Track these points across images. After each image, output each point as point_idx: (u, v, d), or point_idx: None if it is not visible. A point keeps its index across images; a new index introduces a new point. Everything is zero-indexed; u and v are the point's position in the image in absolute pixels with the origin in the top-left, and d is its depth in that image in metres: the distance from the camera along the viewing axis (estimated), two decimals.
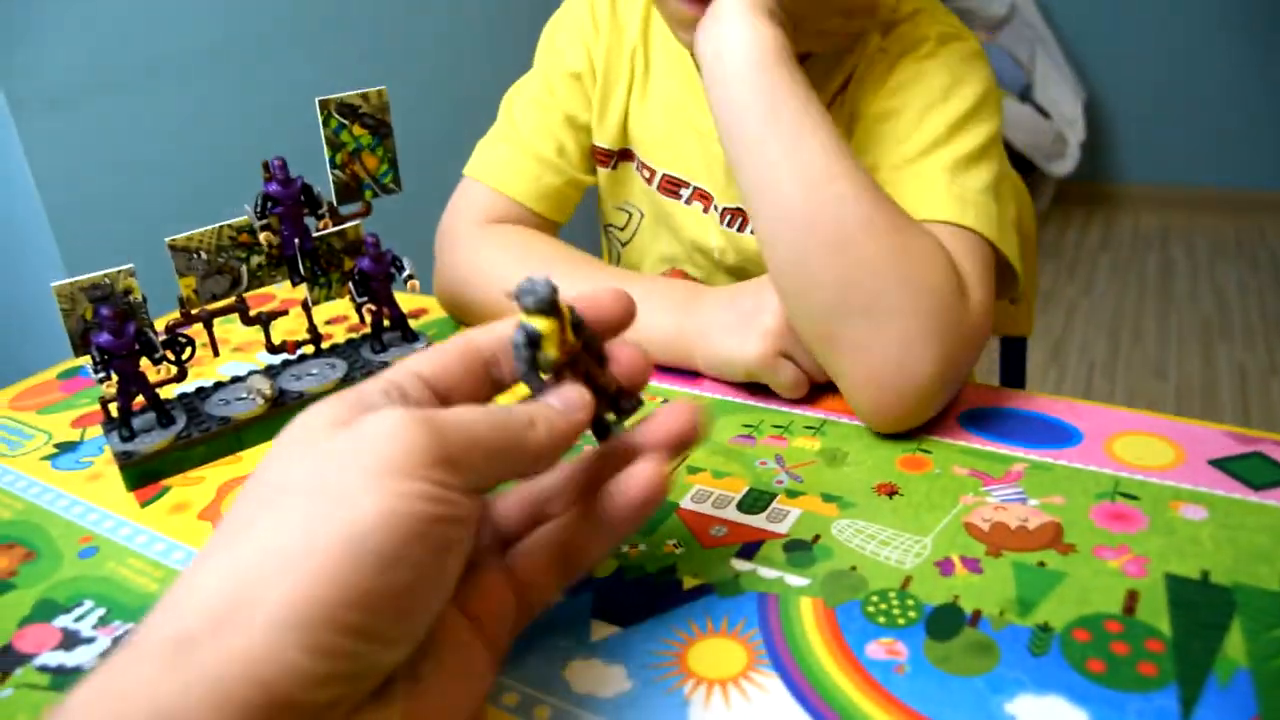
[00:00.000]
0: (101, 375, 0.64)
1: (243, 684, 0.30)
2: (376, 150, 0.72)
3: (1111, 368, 2.58)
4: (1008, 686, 0.42)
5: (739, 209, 0.84)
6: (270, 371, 0.73)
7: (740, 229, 0.85)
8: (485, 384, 0.43)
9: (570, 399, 0.42)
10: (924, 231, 0.62)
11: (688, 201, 0.87)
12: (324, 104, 0.69)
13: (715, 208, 0.85)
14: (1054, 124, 3.20)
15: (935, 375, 0.60)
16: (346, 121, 0.70)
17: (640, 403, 0.46)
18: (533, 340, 0.41)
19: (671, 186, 0.88)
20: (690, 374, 0.71)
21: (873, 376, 0.60)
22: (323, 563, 0.32)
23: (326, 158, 0.70)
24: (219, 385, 0.72)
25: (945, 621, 0.46)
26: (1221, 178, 3.51)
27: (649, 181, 0.89)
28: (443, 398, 0.41)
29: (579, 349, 0.43)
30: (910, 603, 0.47)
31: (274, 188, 0.68)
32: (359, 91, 0.70)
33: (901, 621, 0.46)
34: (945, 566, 0.50)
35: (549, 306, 0.40)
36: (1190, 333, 2.73)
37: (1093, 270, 3.19)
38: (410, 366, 0.41)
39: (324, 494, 0.34)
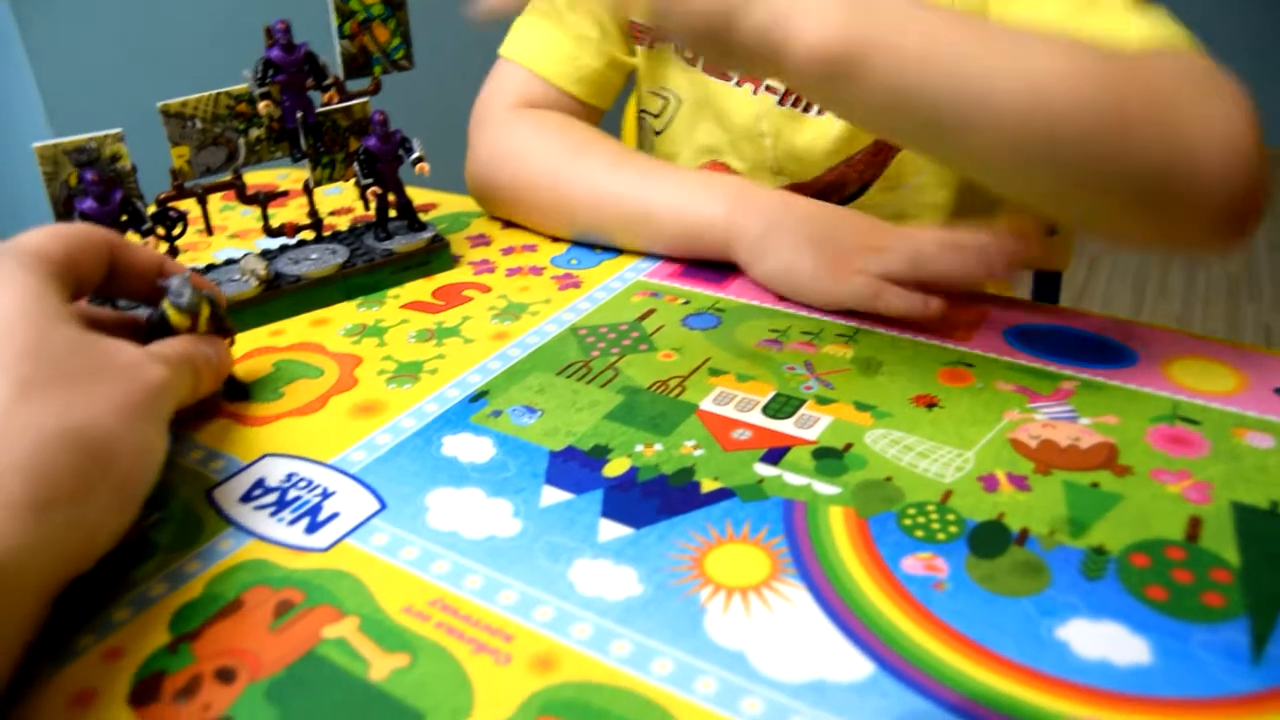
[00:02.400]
0: None
1: None
2: (388, 22, 0.67)
3: None
4: (1059, 610, 0.38)
5: None
6: (266, 255, 0.69)
7: (806, 110, 0.79)
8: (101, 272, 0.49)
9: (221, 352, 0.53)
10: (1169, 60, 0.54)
11: (738, 83, 0.81)
12: None
13: (772, 88, 0.79)
14: None
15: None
16: None
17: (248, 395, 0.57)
18: (163, 324, 0.51)
19: None
20: (716, 278, 0.67)
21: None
22: None
23: (334, 26, 0.65)
24: (211, 267, 0.67)
25: (989, 538, 0.42)
26: None
27: (693, 62, 0.83)
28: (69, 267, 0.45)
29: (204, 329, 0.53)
30: (951, 517, 0.43)
31: (276, 53, 0.63)
32: None
33: (941, 537, 0.42)
34: (989, 482, 0.45)
35: (187, 311, 0.51)
36: (1217, 292, 2.67)
37: None
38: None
39: None
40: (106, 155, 0.60)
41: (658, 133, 0.89)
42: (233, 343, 0.56)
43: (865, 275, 0.59)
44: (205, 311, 0.52)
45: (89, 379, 0.40)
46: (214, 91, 0.63)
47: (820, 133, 0.78)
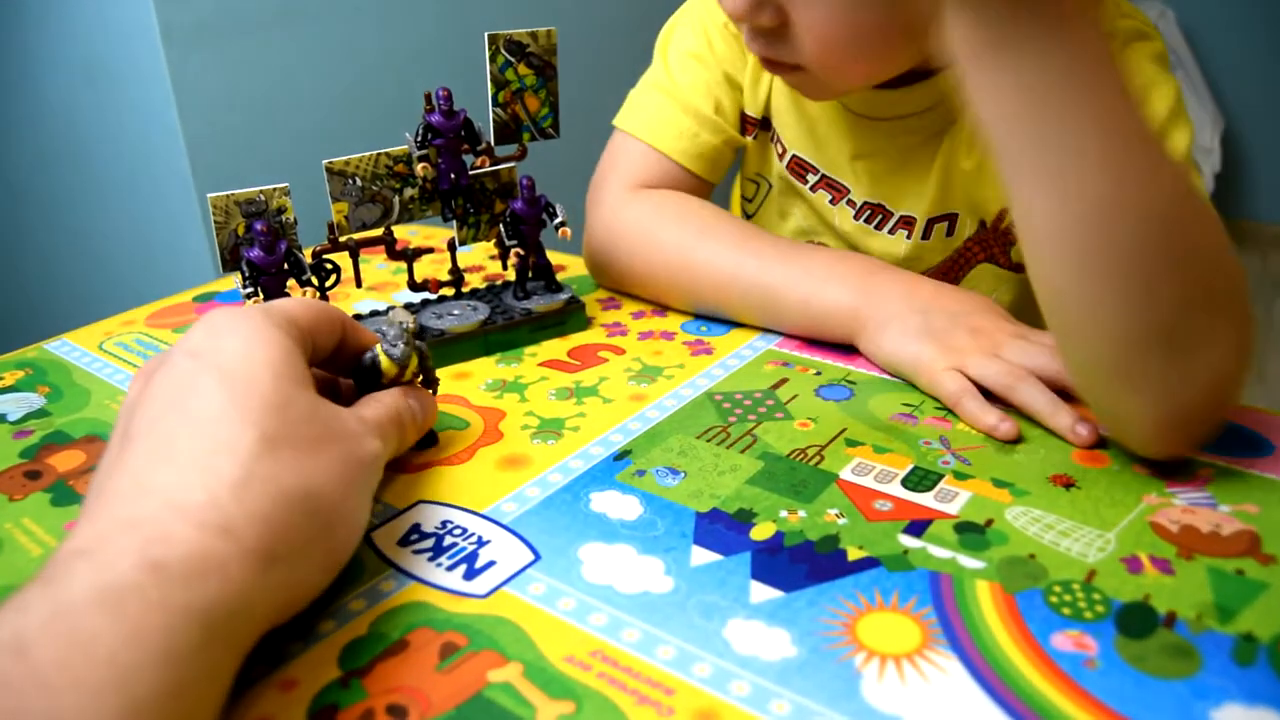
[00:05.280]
0: (250, 291, 0.63)
1: None
2: (539, 92, 0.70)
3: None
4: (1212, 693, 0.38)
5: (879, 205, 0.80)
6: (410, 308, 0.72)
7: (879, 227, 0.81)
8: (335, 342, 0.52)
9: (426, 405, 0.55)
10: (1231, 245, 0.52)
11: (813, 189, 0.83)
12: (493, 39, 0.67)
13: (850, 202, 0.82)
14: None
15: (1235, 402, 0.54)
16: (513, 60, 0.68)
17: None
18: (374, 367, 0.53)
19: (799, 169, 0.84)
20: (845, 350, 0.68)
21: (1178, 419, 0.51)
22: None
23: (489, 95, 0.69)
24: (358, 318, 0.71)
25: (1137, 619, 0.42)
26: None
27: (780, 157, 0.85)
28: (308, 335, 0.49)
29: (410, 379, 0.55)
30: (1097, 596, 0.44)
31: (436, 118, 0.66)
32: (528, 30, 0.68)
33: (1089, 615, 0.43)
34: (1133, 564, 0.46)
35: (399, 362, 0.53)
36: None
37: None
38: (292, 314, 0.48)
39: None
40: (274, 207, 0.64)
41: (750, 215, 0.91)
42: (435, 393, 0.58)
43: (956, 375, 0.60)
44: (414, 364, 0.54)
45: (320, 446, 0.43)
46: (375, 152, 0.66)
47: (887, 250, 0.80)
